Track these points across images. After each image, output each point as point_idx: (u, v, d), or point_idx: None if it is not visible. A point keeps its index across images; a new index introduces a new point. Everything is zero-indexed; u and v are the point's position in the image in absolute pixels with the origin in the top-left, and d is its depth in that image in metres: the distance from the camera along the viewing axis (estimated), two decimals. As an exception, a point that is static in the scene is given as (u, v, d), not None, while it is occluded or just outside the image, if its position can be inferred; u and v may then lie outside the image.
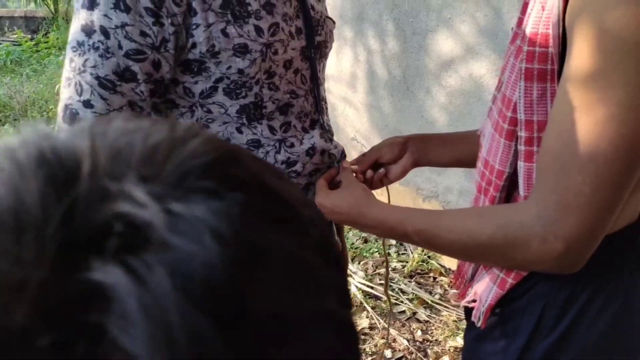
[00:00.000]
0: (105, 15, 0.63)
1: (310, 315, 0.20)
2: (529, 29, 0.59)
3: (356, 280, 2.34)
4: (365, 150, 2.98)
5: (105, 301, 0.15)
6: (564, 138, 0.53)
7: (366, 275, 2.37)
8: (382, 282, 2.32)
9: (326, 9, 0.93)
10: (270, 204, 0.21)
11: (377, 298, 2.24)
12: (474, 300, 0.70)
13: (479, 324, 0.69)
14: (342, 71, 2.73)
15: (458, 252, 0.65)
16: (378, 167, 0.91)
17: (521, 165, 0.62)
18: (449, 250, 0.65)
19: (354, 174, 0.85)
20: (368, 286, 2.29)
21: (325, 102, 1.09)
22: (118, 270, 0.15)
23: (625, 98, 0.49)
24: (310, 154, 0.83)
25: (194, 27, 0.68)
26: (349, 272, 2.44)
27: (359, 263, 2.46)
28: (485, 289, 0.68)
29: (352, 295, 2.27)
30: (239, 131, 0.77)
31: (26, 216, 0.16)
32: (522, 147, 0.62)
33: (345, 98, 2.76)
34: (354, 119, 2.75)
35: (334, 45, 3.16)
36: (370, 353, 1.95)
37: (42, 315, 0.15)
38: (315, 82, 0.84)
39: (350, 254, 2.44)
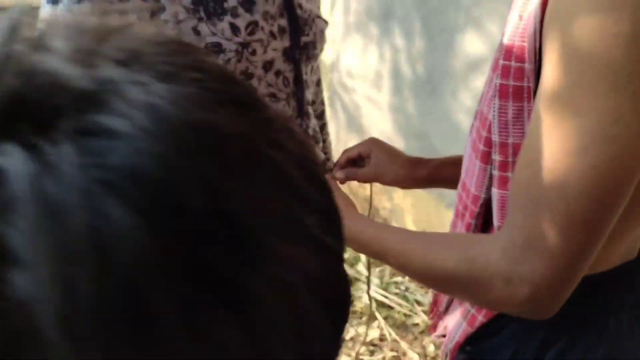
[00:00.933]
0: (70, 11, 0.59)
1: (279, 226, 0.16)
2: (505, 39, 0.52)
3: (371, 289, 2.28)
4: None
5: None
6: (534, 168, 0.46)
7: (381, 284, 2.30)
8: (397, 291, 2.25)
9: (319, 8, 0.87)
10: (231, 88, 0.18)
11: (390, 308, 2.17)
12: (445, 335, 0.64)
13: (446, 361, 0.63)
14: (368, 70, 2.66)
15: (426, 281, 0.60)
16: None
17: (495, 192, 0.56)
18: (418, 277, 0.59)
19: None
20: (382, 295, 2.22)
21: (322, 104, 1.03)
22: (17, 150, 0.12)
23: (598, 127, 0.42)
24: None
25: (162, 23, 0.63)
26: (364, 278, 2.38)
27: (375, 269, 2.39)
28: (455, 324, 0.62)
29: (364, 305, 2.21)
30: None
31: None
32: (495, 172, 0.55)
33: (370, 98, 2.69)
34: (378, 120, 2.67)
35: (360, 43, 3.08)
36: (377, 365, 1.89)
37: None
38: (299, 85, 0.79)
39: (367, 260, 2.38)
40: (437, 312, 0.69)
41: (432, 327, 0.69)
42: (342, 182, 0.82)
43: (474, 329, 0.59)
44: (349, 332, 2.06)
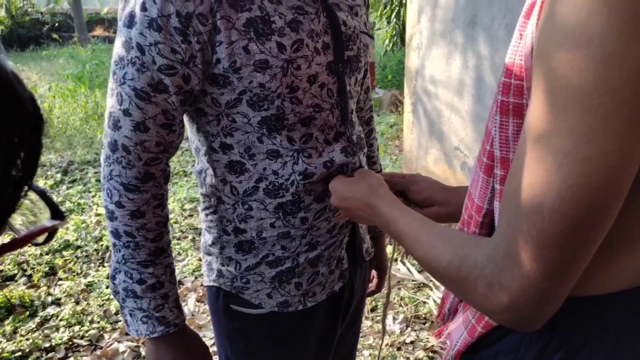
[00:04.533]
0: (141, 34, 0.69)
1: None
2: (507, 57, 0.54)
3: (436, 295, 2.26)
4: (469, 161, 2.83)
5: None
6: (516, 181, 0.48)
7: (448, 292, 2.27)
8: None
9: (366, 24, 0.92)
10: None
11: (455, 317, 2.14)
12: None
13: (448, 367, 0.65)
14: (451, 77, 2.63)
15: (428, 270, 0.61)
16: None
17: (496, 205, 0.57)
18: (422, 265, 0.62)
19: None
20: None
21: (370, 110, 1.08)
22: None
23: (572, 148, 0.43)
24: (328, 167, 0.84)
25: (217, 44, 0.72)
26: (430, 284, 2.36)
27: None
28: (457, 331, 0.64)
29: (428, 310, 2.19)
30: (260, 140, 0.80)
31: None
32: (497, 186, 0.57)
33: (452, 105, 2.66)
34: (458, 127, 2.63)
35: (445, 50, 3.04)
36: (434, 373, 1.88)
37: None
38: (342, 96, 0.85)
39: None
40: (442, 315, 0.71)
41: (438, 333, 0.71)
42: None
43: (473, 339, 0.61)
44: (410, 336, 2.06)
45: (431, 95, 2.89)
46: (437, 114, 2.84)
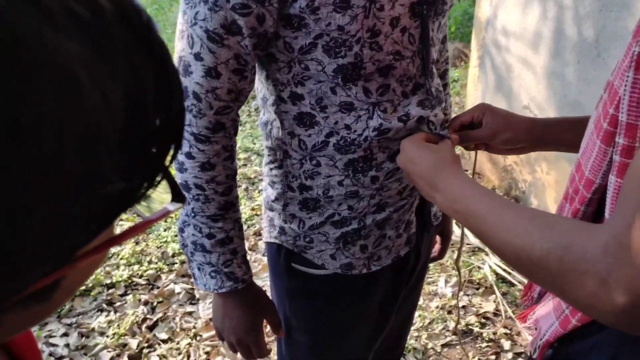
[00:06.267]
0: None
1: None
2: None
3: (492, 261, 2.17)
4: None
5: None
6: None
7: (506, 258, 2.18)
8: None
9: None
10: None
11: (511, 285, 2.05)
12: (536, 328, 0.60)
13: (534, 356, 0.59)
14: (526, 28, 2.41)
15: (508, 258, 0.52)
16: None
17: (612, 180, 0.49)
18: (499, 250, 0.52)
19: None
20: (505, 270, 2.11)
21: (446, 62, 0.98)
22: None
23: None
24: (404, 120, 0.76)
25: None
26: (486, 249, 2.27)
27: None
28: (546, 320, 0.57)
29: (482, 276, 2.12)
30: (333, 91, 0.73)
31: None
32: (617, 158, 0.48)
33: (525, 60, 2.45)
34: (530, 84, 2.44)
35: (520, -1, 2.75)
36: (487, 340, 1.82)
37: None
38: (425, 43, 0.75)
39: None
40: (530, 297, 0.64)
41: (522, 317, 0.64)
42: (456, 144, 0.80)
43: (566, 331, 0.54)
44: (462, 300, 2.01)
45: (502, 48, 2.68)
46: (507, 68, 2.64)
